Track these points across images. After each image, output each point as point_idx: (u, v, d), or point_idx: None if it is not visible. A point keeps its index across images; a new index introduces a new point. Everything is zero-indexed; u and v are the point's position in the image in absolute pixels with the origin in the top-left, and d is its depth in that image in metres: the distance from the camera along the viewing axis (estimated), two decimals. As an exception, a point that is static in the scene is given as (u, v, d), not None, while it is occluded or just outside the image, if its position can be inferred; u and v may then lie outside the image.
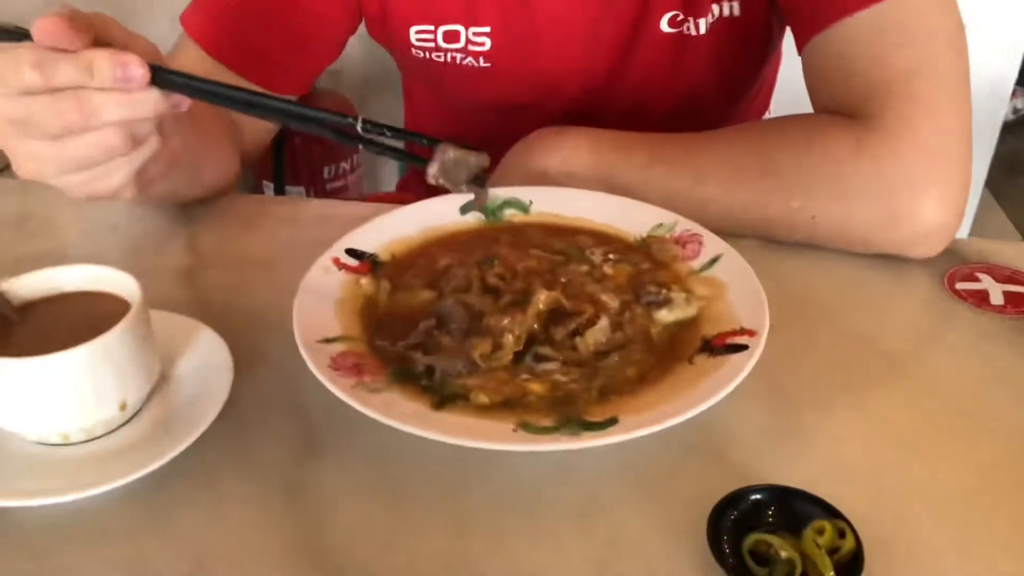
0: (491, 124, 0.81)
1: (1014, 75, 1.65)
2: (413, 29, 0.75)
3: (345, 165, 1.57)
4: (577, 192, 0.65)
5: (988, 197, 2.42)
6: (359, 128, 0.47)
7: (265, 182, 1.53)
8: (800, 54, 0.66)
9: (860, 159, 0.58)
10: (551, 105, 0.76)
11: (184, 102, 0.49)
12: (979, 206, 1.81)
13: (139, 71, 0.46)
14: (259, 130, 0.78)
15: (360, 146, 0.49)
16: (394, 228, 0.62)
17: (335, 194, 1.57)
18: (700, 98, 0.76)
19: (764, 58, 0.79)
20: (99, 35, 0.47)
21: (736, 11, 0.71)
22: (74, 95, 0.45)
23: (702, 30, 0.71)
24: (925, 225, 0.58)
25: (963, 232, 1.78)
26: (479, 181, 0.49)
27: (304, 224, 0.69)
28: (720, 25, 0.71)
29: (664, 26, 0.71)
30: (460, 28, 0.73)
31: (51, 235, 0.68)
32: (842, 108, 0.61)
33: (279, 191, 1.51)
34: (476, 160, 0.48)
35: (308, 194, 1.55)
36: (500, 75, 0.75)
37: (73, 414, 0.44)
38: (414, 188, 1.01)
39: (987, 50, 1.61)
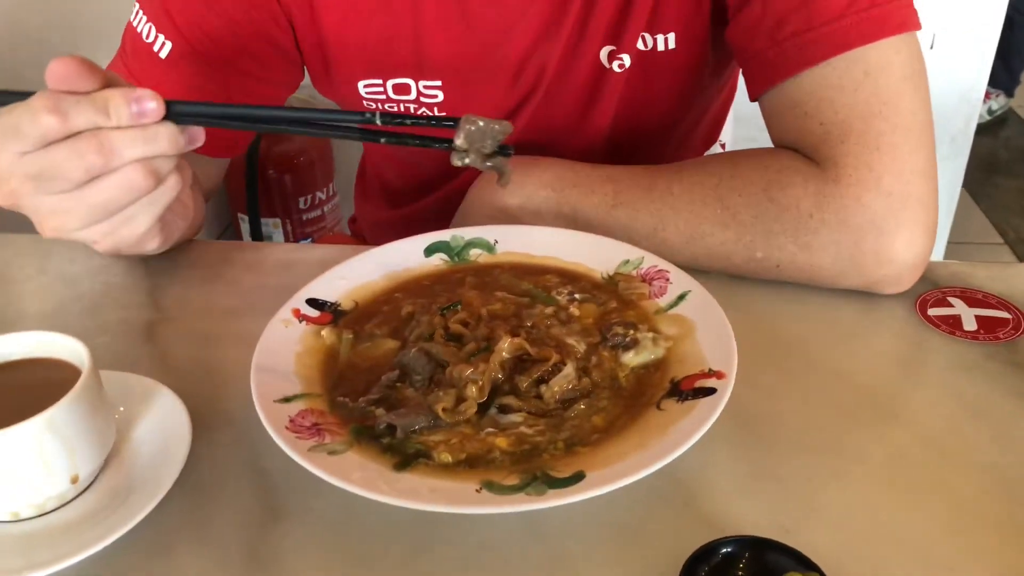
0: (446, 165, 0.80)
1: (985, 79, 1.66)
2: (361, 83, 0.73)
3: (321, 194, 1.56)
4: (543, 230, 0.64)
5: (966, 198, 2.43)
6: (379, 122, 0.49)
7: (240, 215, 1.52)
8: (752, 100, 0.65)
9: (823, 210, 0.57)
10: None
11: (200, 136, 0.49)
12: (957, 208, 1.82)
13: (153, 104, 0.46)
14: (211, 174, 0.77)
15: (383, 140, 0.50)
16: (357, 274, 0.60)
17: (312, 224, 1.56)
18: (637, 123, 0.74)
19: (703, 90, 0.77)
20: (108, 80, 0.47)
21: (672, 44, 0.69)
22: (93, 136, 0.45)
23: (631, 61, 0.70)
24: (893, 268, 0.58)
25: (942, 235, 1.80)
26: (505, 151, 0.50)
27: (269, 271, 0.68)
28: (653, 56, 0.69)
29: (602, 58, 0.70)
30: (410, 81, 0.72)
31: (6, 290, 0.67)
32: (800, 149, 0.61)
33: (254, 224, 1.49)
34: (500, 128, 0.49)
35: (284, 225, 1.53)
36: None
37: (22, 491, 0.43)
38: (361, 219, 1.00)
39: (958, 55, 1.62)
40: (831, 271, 0.59)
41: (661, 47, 0.68)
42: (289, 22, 0.71)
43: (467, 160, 0.50)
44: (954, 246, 1.87)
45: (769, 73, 0.61)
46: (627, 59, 0.69)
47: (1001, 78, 2.82)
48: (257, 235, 1.52)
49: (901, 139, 0.57)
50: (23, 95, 0.48)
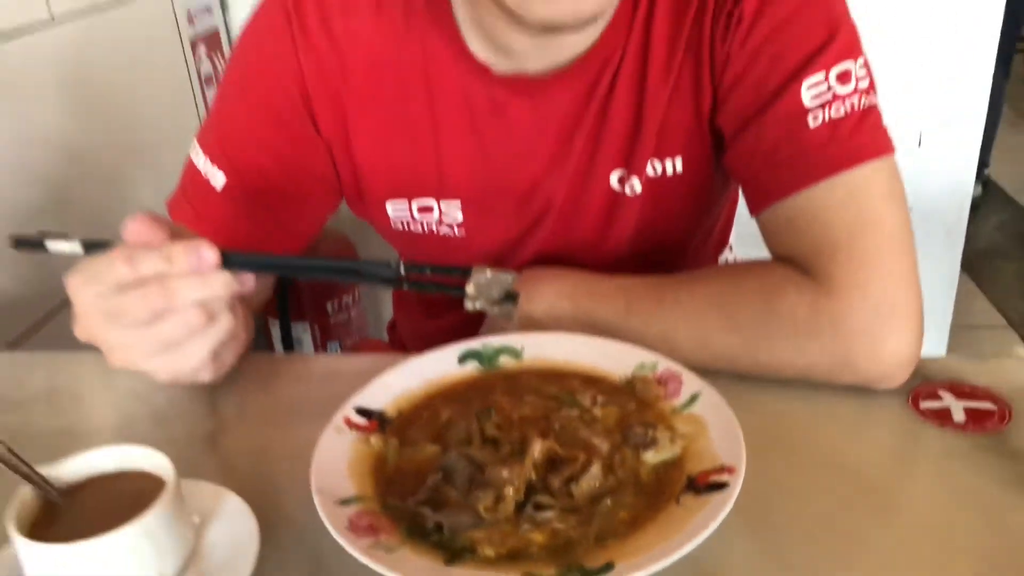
0: None
1: (972, 170, 1.74)
2: (389, 203, 0.81)
3: (347, 299, 1.64)
4: (564, 336, 0.70)
5: (968, 282, 2.49)
6: (402, 272, 0.57)
7: (271, 319, 1.59)
8: (752, 216, 0.72)
9: (817, 319, 0.64)
10: (519, 258, 0.82)
11: (249, 281, 0.57)
12: (960, 293, 1.88)
13: (210, 254, 0.55)
14: (264, 291, 0.85)
15: (405, 286, 0.58)
16: (398, 384, 0.67)
17: (338, 328, 1.63)
18: (654, 242, 0.81)
19: (712, 208, 0.85)
20: (173, 234, 0.56)
21: (679, 168, 0.76)
22: (158, 282, 0.53)
23: (642, 187, 0.77)
24: (884, 368, 0.64)
25: (945, 321, 1.85)
26: (510, 297, 0.57)
27: (315, 381, 0.75)
28: (663, 181, 0.77)
29: (613, 182, 0.77)
30: (432, 202, 0.80)
31: (79, 408, 0.74)
32: (795, 261, 0.68)
33: (284, 328, 1.56)
34: (506, 277, 0.57)
35: (312, 330, 1.60)
36: (474, 240, 0.82)
37: (116, 591, 0.48)
38: (401, 328, 1.07)
39: (945, 150, 1.71)
40: (828, 372, 0.65)
41: (670, 171, 0.76)
42: (329, 152, 0.80)
43: (478, 305, 0.57)
44: (959, 329, 1.92)
45: (765, 195, 0.69)
46: (638, 185, 0.77)
47: None
48: (287, 339, 1.59)
49: (884, 253, 0.64)
50: (107, 245, 0.56)
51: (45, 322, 1.14)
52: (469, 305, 0.57)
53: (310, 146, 0.79)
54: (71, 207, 1.21)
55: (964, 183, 1.73)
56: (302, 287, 1.58)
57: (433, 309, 0.98)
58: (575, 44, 0.72)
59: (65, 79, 1.21)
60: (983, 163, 3.04)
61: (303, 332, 1.61)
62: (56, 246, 0.58)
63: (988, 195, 3.15)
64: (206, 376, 0.61)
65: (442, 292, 0.59)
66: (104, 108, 1.30)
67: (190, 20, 1.57)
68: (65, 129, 1.20)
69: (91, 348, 0.84)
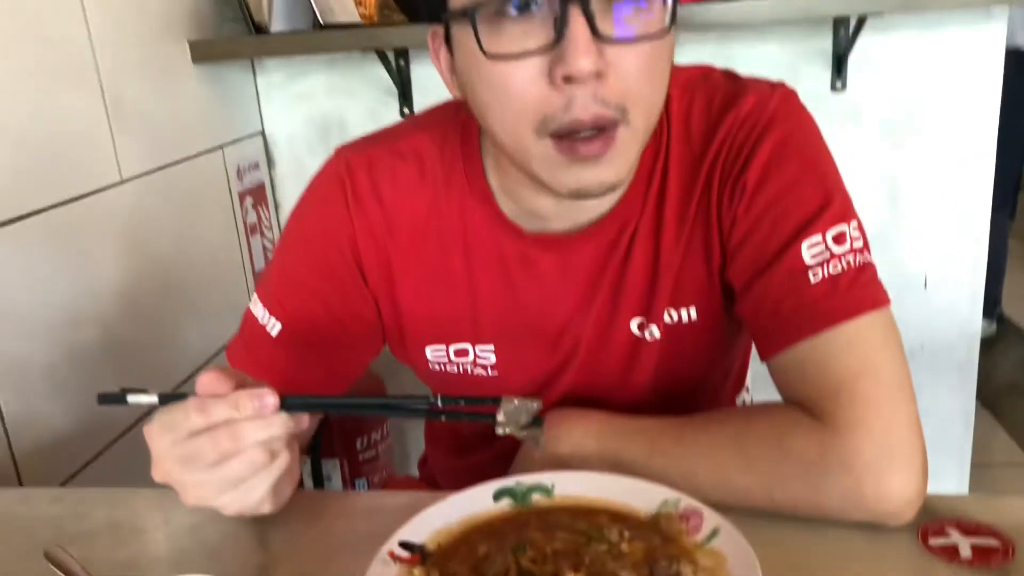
0: None
1: (979, 309, 1.80)
2: (428, 348, 0.89)
3: (376, 436, 1.69)
4: (592, 475, 0.75)
5: (989, 419, 2.50)
6: (439, 404, 0.65)
7: (302, 458, 1.64)
8: (762, 361, 0.79)
9: (826, 459, 0.69)
10: (548, 397, 0.88)
11: (304, 419, 0.65)
12: (982, 430, 1.90)
13: (271, 399, 0.62)
14: (312, 429, 0.91)
15: (443, 418, 0.64)
16: (438, 519, 0.71)
17: (366, 464, 1.68)
18: (674, 382, 0.87)
19: (727, 351, 0.91)
20: (239, 383, 0.64)
21: (694, 316, 0.83)
22: (227, 427, 0.61)
23: (660, 333, 0.84)
24: (892, 506, 0.68)
25: (964, 459, 1.86)
26: (537, 421, 0.64)
27: (359, 517, 0.79)
28: (679, 328, 0.84)
29: (633, 328, 0.84)
30: (468, 346, 0.87)
31: (140, 540, 0.79)
32: (803, 404, 0.73)
33: (315, 465, 1.61)
34: (532, 405, 0.64)
35: (342, 466, 1.65)
36: (506, 380, 0.88)
37: None
38: (432, 464, 1.12)
39: (950, 291, 1.78)
40: (839, 509, 0.69)
41: (685, 319, 0.83)
42: (375, 303, 0.88)
43: (507, 430, 0.64)
44: (980, 468, 1.93)
45: (773, 343, 0.76)
46: (656, 331, 0.84)
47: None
48: (318, 475, 1.63)
49: (884, 396, 0.70)
50: (181, 397, 0.64)
51: (95, 459, 1.20)
52: (500, 431, 0.64)
53: (359, 298, 0.87)
54: (123, 348, 1.29)
55: (971, 321, 1.79)
56: (333, 425, 1.64)
57: (464, 447, 1.03)
58: (596, 207, 0.81)
59: (127, 230, 1.32)
60: (995, 301, 3.11)
61: (332, 469, 1.65)
62: (136, 399, 0.66)
63: (1003, 332, 3.19)
64: (267, 508, 0.67)
65: (474, 420, 0.66)
66: (158, 256, 1.41)
67: (239, 175, 1.71)
68: (123, 277, 1.30)
69: (148, 484, 0.90)
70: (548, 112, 0.68)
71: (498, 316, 0.86)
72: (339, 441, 1.65)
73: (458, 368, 0.89)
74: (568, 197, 0.74)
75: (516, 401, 0.64)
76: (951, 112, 1.69)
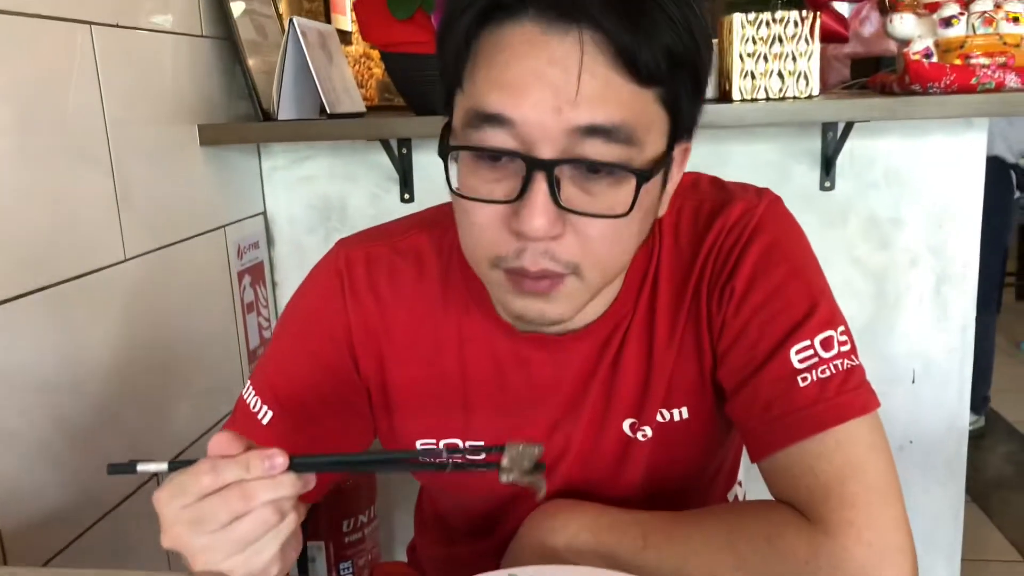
0: (493, 512, 0.93)
1: (966, 405, 1.82)
2: (418, 442, 0.88)
3: (363, 517, 1.67)
4: (585, 571, 0.75)
5: (980, 516, 2.49)
6: (445, 455, 0.67)
7: (287, 538, 1.62)
8: (752, 463, 0.80)
9: (817, 558, 0.70)
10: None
11: (312, 480, 0.65)
12: (973, 526, 1.89)
13: (280, 459, 0.62)
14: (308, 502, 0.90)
15: (449, 468, 0.67)
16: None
17: (352, 547, 1.66)
18: (665, 480, 0.87)
19: (718, 449, 0.92)
20: (248, 446, 0.64)
21: (685, 415, 0.84)
22: (238, 486, 0.61)
23: (652, 432, 0.84)
24: None
25: (955, 554, 1.85)
26: (539, 467, 0.66)
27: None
28: (671, 427, 0.84)
29: (625, 428, 0.85)
30: (458, 441, 0.87)
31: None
32: (793, 504, 0.74)
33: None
34: (535, 450, 0.66)
35: (327, 548, 1.63)
36: (495, 474, 0.88)
37: None
38: (420, 553, 1.11)
39: (937, 386, 1.80)
40: None
41: (677, 418, 0.84)
42: (367, 394, 0.89)
43: (512, 477, 0.66)
44: (971, 565, 1.91)
45: (762, 446, 0.77)
46: (649, 431, 0.84)
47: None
48: (303, 558, 1.61)
49: (873, 497, 0.71)
50: (190, 463, 0.65)
51: (82, 536, 1.19)
52: (504, 477, 0.66)
53: (351, 388, 0.88)
54: (115, 425, 1.29)
55: (959, 415, 1.80)
56: (320, 506, 1.62)
57: (452, 537, 1.02)
58: (585, 315, 0.82)
59: (127, 307, 1.34)
60: (983, 396, 3.13)
61: (317, 551, 1.63)
62: (146, 468, 0.66)
63: (991, 427, 3.20)
64: (274, 571, 0.65)
65: (481, 468, 0.66)
66: (156, 333, 1.42)
67: (239, 254, 1.73)
68: (119, 353, 1.31)
69: (133, 563, 0.90)
70: (500, 253, 0.70)
71: (489, 414, 0.87)
72: (325, 522, 1.63)
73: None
74: (514, 323, 0.76)
75: (521, 446, 0.65)
76: (935, 213, 1.75)
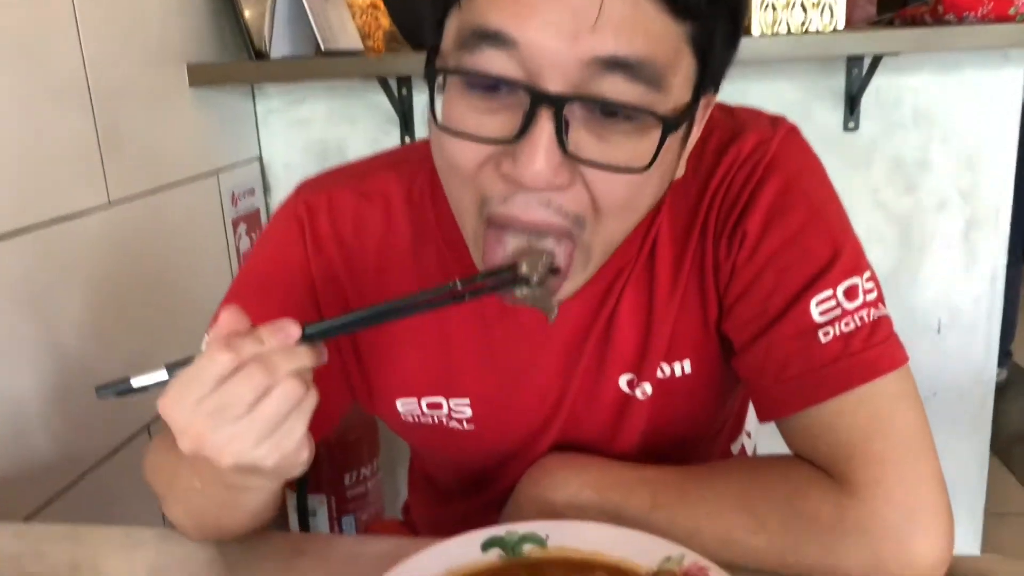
0: (484, 470, 0.87)
1: (994, 358, 1.75)
2: (399, 401, 0.81)
3: (366, 471, 1.63)
4: (590, 525, 0.70)
5: (1002, 470, 2.43)
6: (460, 287, 0.60)
7: (288, 491, 1.58)
8: (760, 423, 0.73)
9: (843, 520, 0.64)
10: (531, 454, 0.81)
11: (325, 354, 0.58)
12: (994, 481, 1.84)
13: (293, 327, 0.56)
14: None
15: (468, 298, 0.61)
16: (419, 570, 0.66)
17: (354, 501, 1.62)
18: (665, 438, 0.80)
19: (723, 403, 0.84)
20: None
21: (688, 370, 0.76)
22: (256, 361, 0.54)
23: (652, 389, 0.77)
24: (917, 571, 0.63)
25: (977, 508, 1.80)
26: (553, 270, 0.62)
27: (336, 563, 0.74)
28: (672, 382, 0.76)
29: (622, 385, 0.77)
30: (442, 399, 0.80)
31: (99, 583, 0.73)
32: (814, 462, 0.68)
33: (301, 500, 1.55)
34: (546, 257, 0.61)
35: (329, 502, 1.59)
36: (483, 434, 0.81)
37: None
38: (414, 513, 1.06)
39: (964, 338, 1.73)
40: (857, 573, 0.64)
41: (679, 373, 0.76)
42: (336, 351, 0.80)
43: (531, 289, 0.61)
44: (993, 518, 1.86)
45: (775, 408, 0.70)
46: (648, 388, 0.76)
47: None
48: (303, 511, 1.57)
49: (902, 453, 0.64)
50: (188, 360, 0.57)
51: (64, 493, 1.14)
52: (520, 292, 0.61)
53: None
54: (98, 379, 1.23)
55: (986, 367, 1.74)
56: (321, 459, 1.58)
57: (446, 496, 0.97)
58: None
59: (112, 255, 1.28)
60: (1006, 351, 3.05)
61: (319, 504, 1.59)
62: (140, 381, 0.58)
63: (1014, 380, 3.13)
64: (304, 456, 0.59)
65: (496, 291, 0.60)
66: (145, 283, 1.36)
67: (234, 201, 1.67)
68: (103, 303, 1.25)
69: (114, 521, 0.85)
70: (487, 194, 0.62)
71: (473, 370, 0.79)
72: (327, 475, 1.59)
73: (433, 419, 0.82)
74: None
75: (527, 260, 0.61)
76: (966, 155, 1.66)
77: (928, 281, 1.71)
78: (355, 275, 0.78)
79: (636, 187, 0.61)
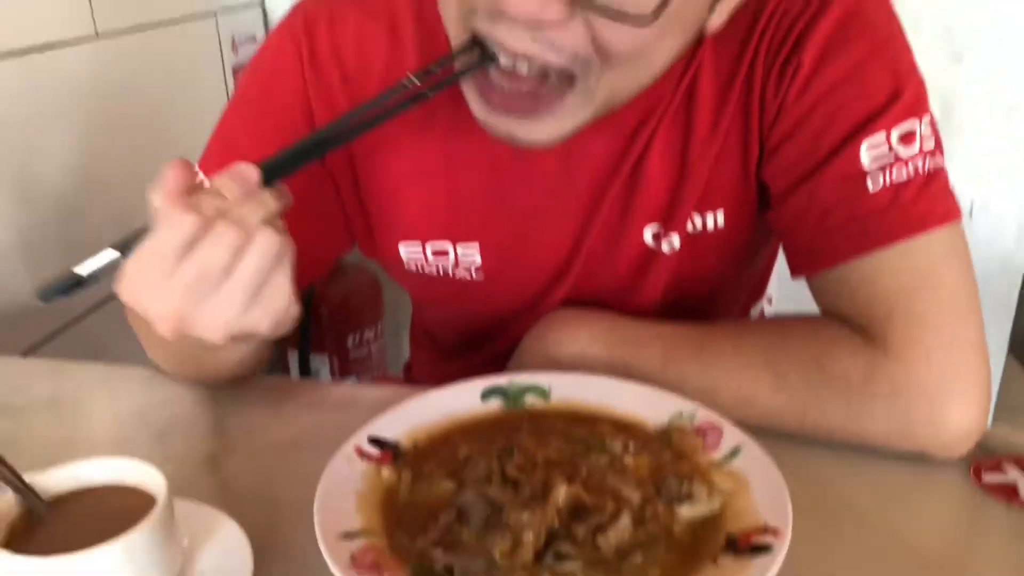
0: (490, 325, 0.82)
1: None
2: (401, 245, 0.76)
3: (369, 333, 1.60)
4: (597, 378, 0.66)
5: (1015, 365, 2.40)
6: (413, 82, 0.57)
7: (290, 350, 1.56)
8: (793, 278, 0.67)
9: (873, 382, 0.59)
10: (542, 308, 0.76)
11: (287, 193, 0.52)
12: (1007, 376, 1.80)
13: (251, 171, 0.50)
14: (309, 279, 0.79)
15: (431, 95, 0.58)
16: (417, 416, 0.62)
17: (358, 363, 1.60)
18: (687, 296, 0.76)
19: (752, 261, 0.79)
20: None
21: (720, 222, 0.71)
22: (222, 218, 0.48)
23: (680, 242, 0.71)
24: (945, 438, 0.58)
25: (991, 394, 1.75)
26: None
27: (328, 409, 0.70)
28: (702, 236, 0.71)
29: (647, 238, 0.72)
30: (448, 245, 0.74)
31: (81, 419, 0.70)
32: (846, 320, 0.62)
33: (303, 359, 1.53)
34: None
35: (332, 363, 1.57)
36: (494, 285, 0.76)
37: (92, 614, 0.44)
38: (416, 372, 1.02)
39: (996, 222, 1.66)
40: (882, 439, 0.59)
41: (711, 226, 0.70)
42: (335, 188, 0.75)
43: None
44: (1004, 412, 1.83)
45: (813, 260, 0.64)
46: (676, 240, 0.71)
47: None
48: (305, 370, 1.55)
49: (946, 313, 0.59)
50: (141, 233, 0.50)
51: (61, 331, 1.11)
52: (492, 72, 0.58)
53: (315, 181, 0.73)
54: (80, 223, 1.17)
55: (1015, 255, 1.67)
56: (324, 318, 1.55)
57: (450, 351, 0.93)
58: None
59: (98, 91, 1.20)
60: None
61: (321, 364, 1.57)
62: (87, 267, 0.50)
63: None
64: (295, 310, 0.53)
65: (459, 79, 0.57)
66: (135, 125, 1.29)
67: (234, 48, 1.57)
68: (88, 143, 1.19)
69: (99, 358, 0.82)
70: (473, 3, 0.56)
71: (483, 214, 0.73)
72: (330, 336, 1.56)
73: (437, 270, 0.77)
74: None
75: None
76: (1018, 29, 1.53)
77: (964, 159, 1.62)
78: (355, 99, 0.70)
79: (644, 38, 0.55)
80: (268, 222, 0.50)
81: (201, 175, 0.51)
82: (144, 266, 0.49)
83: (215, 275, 0.48)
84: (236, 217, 0.48)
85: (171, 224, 0.47)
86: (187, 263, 0.48)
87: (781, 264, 0.95)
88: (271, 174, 0.52)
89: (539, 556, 0.49)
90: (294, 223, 0.72)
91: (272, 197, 0.51)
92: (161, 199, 0.49)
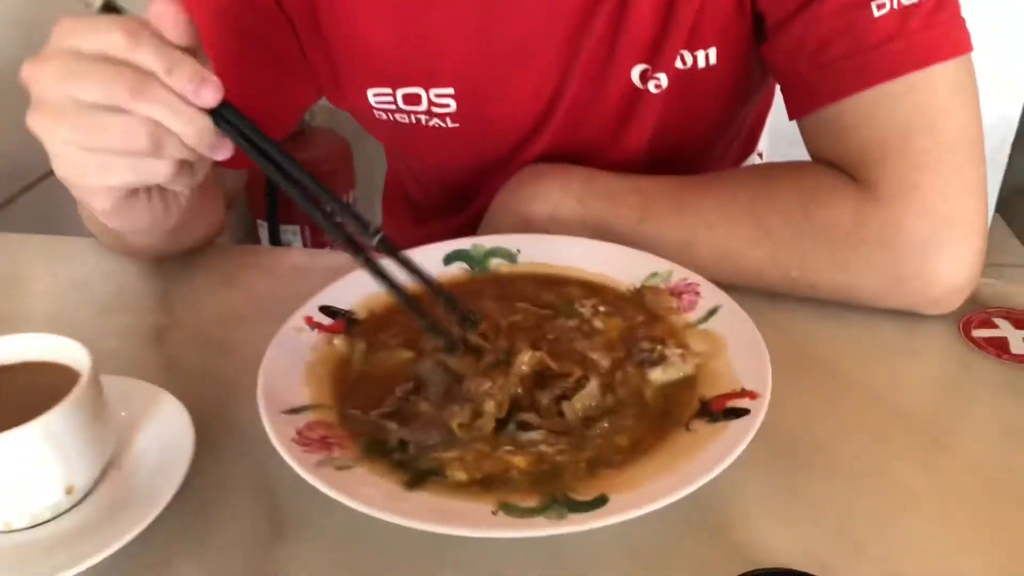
0: (465, 180, 0.77)
1: (1019, 104, 1.63)
2: (370, 92, 0.69)
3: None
4: (567, 240, 0.62)
5: (1000, 223, 2.38)
6: (374, 243, 0.50)
7: (259, 221, 1.51)
8: (791, 120, 0.62)
9: (862, 229, 0.54)
10: (521, 158, 0.71)
11: (227, 149, 0.46)
12: (990, 234, 1.78)
13: (211, 94, 0.43)
14: (238, 179, 0.75)
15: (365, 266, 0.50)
16: (373, 282, 0.58)
17: (331, 233, 1.55)
18: (676, 142, 0.71)
19: (745, 104, 0.74)
20: (197, 51, 0.45)
21: (712, 59, 0.65)
22: (137, 74, 0.42)
23: (668, 82, 0.66)
24: (936, 290, 0.55)
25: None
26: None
27: (284, 277, 0.66)
28: (693, 74, 0.66)
29: (634, 78, 0.66)
30: (420, 91, 0.68)
31: (15, 293, 0.65)
32: (839, 166, 0.58)
33: (273, 230, 1.48)
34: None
35: (303, 232, 1.52)
36: (469, 134, 0.71)
37: (15, 500, 0.41)
38: (398, 214, 0.97)
39: (994, 72, 1.59)
40: (870, 292, 0.56)
41: (701, 63, 0.64)
42: (292, 31, 0.67)
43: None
44: (988, 268, 1.82)
45: (810, 98, 0.58)
46: (664, 79, 0.65)
47: None
48: (276, 241, 1.50)
49: (946, 155, 0.54)
50: (119, 12, 0.45)
51: (11, 202, 1.05)
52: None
53: (268, 24, 0.66)
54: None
55: (1012, 102, 1.61)
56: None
57: (422, 216, 0.88)
58: None
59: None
60: None
61: (292, 235, 1.52)
62: None
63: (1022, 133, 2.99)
64: (188, 180, 0.48)
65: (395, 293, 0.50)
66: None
67: None
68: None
69: (40, 231, 0.76)
70: None
71: (458, 55, 0.66)
72: (300, 206, 1.51)
73: (410, 118, 0.71)
74: None
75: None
76: None
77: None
78: None
79: None
80: (161, 126, 0.43)
81: None
82: (72, 28, 0.43)
83: (82, 90, 0.43)
84: (142, 84, 0.42)
85: (109, 31, 0.42)
86: (84, 61, 0.43)
87: (772, 118, 0.89)
88: (226, 119, 0.45)
89: (501, 425, 0.46)
90: (248, 69, 0.66)
91: (198, 127, 0.44)
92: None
